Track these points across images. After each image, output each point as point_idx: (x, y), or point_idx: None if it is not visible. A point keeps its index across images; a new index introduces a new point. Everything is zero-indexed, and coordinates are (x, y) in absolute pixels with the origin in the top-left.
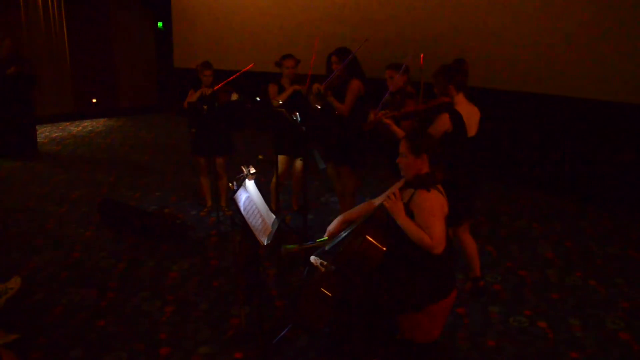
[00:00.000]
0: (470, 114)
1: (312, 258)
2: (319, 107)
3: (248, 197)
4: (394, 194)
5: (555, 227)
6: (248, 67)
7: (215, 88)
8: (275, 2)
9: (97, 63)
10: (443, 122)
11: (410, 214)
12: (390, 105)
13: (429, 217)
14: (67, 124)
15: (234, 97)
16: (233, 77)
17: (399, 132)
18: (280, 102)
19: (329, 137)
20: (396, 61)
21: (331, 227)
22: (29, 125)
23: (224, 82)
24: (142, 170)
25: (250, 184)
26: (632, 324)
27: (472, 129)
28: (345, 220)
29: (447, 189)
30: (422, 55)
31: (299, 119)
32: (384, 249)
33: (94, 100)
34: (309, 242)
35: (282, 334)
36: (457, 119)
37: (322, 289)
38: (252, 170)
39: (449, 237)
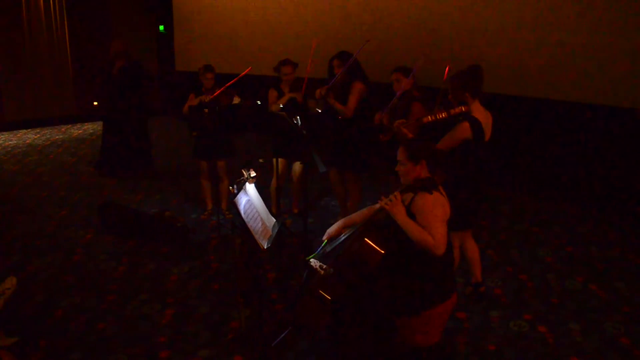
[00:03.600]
0: (486, 120)
1: (312, 261)
2: (320, 110)
3: (248, 201)
4: (394, 195)
5: (556, 231)
6: (246, 72)
7: (214, 95)
8: (277, 6)
9: (99, 66)
10: (463, 131)
11: (411, 216)
12: (398, 108)
13: (431, 217)
14: (69, 126)
15: (236, 100)
16: (232, 81)
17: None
18: (281, 105)
19: (331, 141)
20: (402, 64)
21: (331, 230)
22: (143, 137)
23: (224, 87)
24: (143, 173)
25: (250, 187)
26: (632, 328)
27: (487, 134)
28: (345, 225)
29: (458, 196)
30: (447, 67)
31: (299, 122)
32: (383, 252)
33: (95, 103)
34: (319, 250)
35: (281, 336)
36: (477, 127)
37: (320, 292)
38: (253, 174)
39: (449, 240)
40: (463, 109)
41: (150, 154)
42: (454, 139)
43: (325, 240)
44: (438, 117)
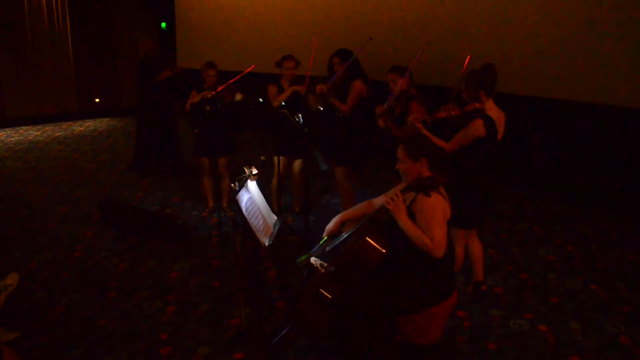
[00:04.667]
0: (499, 119)
1: (312, 259)
2: (321, 108)
3: (250, 198)
4: (396, 195)
5: (557, 230)
6: (250, 69)
7: (217, 90)
8: (279, 3)
9: (100, 63)
10: (477, 128)
11: (411, 216)
12: (395, 108)
13: (430, 220)
14: (70, 123)
15: (238, 97)
16: (235, 79)
17: (430, 136)
18: (283, 103)
19: (330, 138)
20: (398, 64)
21: (330, 226)
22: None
23: (226, 84)
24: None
25: (252, 184)
26: (633, 328)
27: (500, 133)
28: (343, 219)
29: (469, 193)
30: (468, 56)
31: (301, 120)
32: (384, 251)
33: (97, 100)
34: (314, 249)
35: (281, 334)
36: (491, 125)
37: (321, 291)
38: (254, 171)
39: (449, 240)
40: (477, 105)
41: (180, 151)
42: (467, 136)
43: (325, 237)
44: (452, 113)
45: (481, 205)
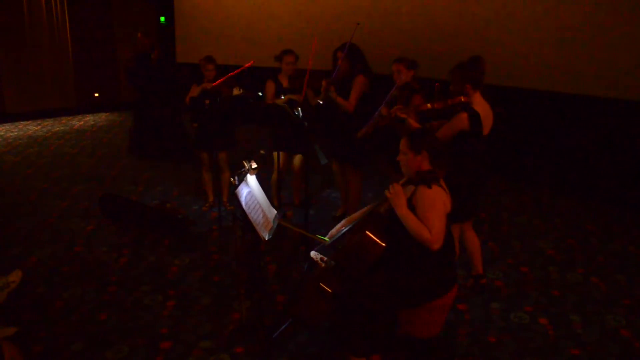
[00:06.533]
0: (486, 113)
1: (312, 253)
2: (321, 102)
3: (249, 192)
4: (393, 186)
5: (557, 223)
6: (248, 65)
7: (216, 83)
8: None
9: (100, 57)
10: (461, 121)
11: (411, 208)
12: (398, 99)
13: (430, 212)
14: (69, 118)
15: (237, 91)
16: (234, 72)
17: (417, 126)
18: (282, 97)
19: (333, 134)
20: (401, 55)
21: (333, 231)
22: (177, 124)
23: (225, 77)
24: (144, 164)
25: (251, 178)
26: (633, 321)
27: (487, 127)
28: (348, 223)
29: (455, 187)
30: (437, 84)
31: (300, 114)
32: (384, 244)
33: (96, 95)
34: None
35: (282, 328)
36: (476, 119)
37: (321, 285)
38: (254, 165)
39: (449, 233)
40: (462, 99)
41: (187, 142)
42: (451, 129)
43: (327, 240)
44: (436, 106)
45: (469, 199)
